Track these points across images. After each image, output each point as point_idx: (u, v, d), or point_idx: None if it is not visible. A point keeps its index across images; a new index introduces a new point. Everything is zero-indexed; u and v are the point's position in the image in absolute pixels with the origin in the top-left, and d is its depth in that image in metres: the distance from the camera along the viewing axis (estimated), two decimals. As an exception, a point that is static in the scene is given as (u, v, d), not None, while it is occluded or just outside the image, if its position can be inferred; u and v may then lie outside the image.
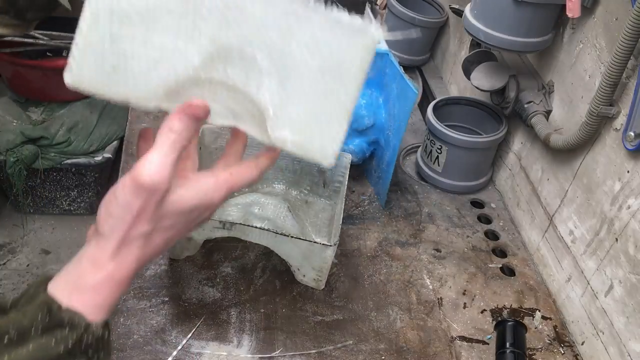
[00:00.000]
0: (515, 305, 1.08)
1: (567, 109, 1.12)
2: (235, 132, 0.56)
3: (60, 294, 0.46)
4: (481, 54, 1.28)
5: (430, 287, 1.10)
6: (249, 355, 0.93)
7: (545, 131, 1.11)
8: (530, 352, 0.99)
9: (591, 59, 1.03)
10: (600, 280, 0.98)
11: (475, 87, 1.27)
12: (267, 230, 0.96)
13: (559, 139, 1.06)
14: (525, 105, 1.18)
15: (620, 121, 0.94)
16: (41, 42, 1.02)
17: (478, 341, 1.00)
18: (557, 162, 1.14)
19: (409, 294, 1.07)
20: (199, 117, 0.48)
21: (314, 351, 0.94)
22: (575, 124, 1.05)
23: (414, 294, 1.08)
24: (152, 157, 0.46)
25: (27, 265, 1.04)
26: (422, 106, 1.65)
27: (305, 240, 0.96)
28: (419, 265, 1.14)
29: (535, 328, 1.04)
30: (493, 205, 1.34)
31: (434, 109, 1.33)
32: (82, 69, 0.45)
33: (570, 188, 1.09)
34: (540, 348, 1.01)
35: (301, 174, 1.17)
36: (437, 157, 1.31)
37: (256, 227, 0.96)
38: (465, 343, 1.00)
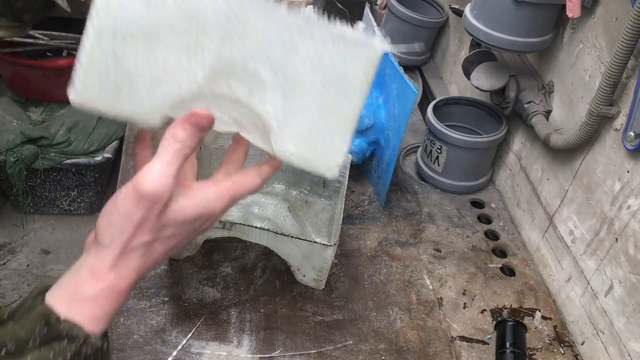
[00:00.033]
0: (515, 305, 1.08)
1: (567, 109, 1.12)
2: (236, 139, 0.56)
3: (58, 304, 0.45)
4: (481, 54, 1.28)
5: (430, 287, 1.10)
6: (249, 355, 0.93)
7: (545, 131, 1.11)
8: (530, 352, 0.99)
9: (591, 59, 1.03)
10: (600, 280, 0.98)
11: (475, 87, 1.27)
12: (267, 230, 0.96)
13: (559, 139, 1.06)
14: (525, 105, 1.18)
15: (620, 121, 0.94)
16: (41, 42, 1.02)
17: (478, 341, 1.00)
18: (557, 162, 1.14)
19: (409, 294, 1.07)
20: (203, 127, 0.47)
21: (314, 351, 0.94)
22: (575, 124, 1.05)
23: (414, 294, 1.08)
24: (155, 165, 0.45)
25: (27, 265, 1.04)
26: (422, 106, 1.65)
27: (305, 240, 0.96)
28: (419, 265, 1.14)
29: (535, 328, 1.04)
30: (493, 205, 1.34)
31: (434, 109, 1.33)
32: (86, 88, 0.45)
33: (570, 188, 1.09)
34: (540, 348, 1.01)
35: (301, 174, 1.17)
36: (437, 157, 1.31)
37: (256, 227, 0.96)
38: (465, 343, 1.00)
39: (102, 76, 0.46)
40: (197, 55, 0.47)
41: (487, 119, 1.37)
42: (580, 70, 1.06)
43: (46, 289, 0.46)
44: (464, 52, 1.54)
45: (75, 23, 1.07)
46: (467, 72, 1.29)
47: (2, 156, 1.05)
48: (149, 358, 0.90)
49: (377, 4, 1.90)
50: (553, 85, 1.17)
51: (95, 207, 1.43)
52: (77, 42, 1.06)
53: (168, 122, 0.50)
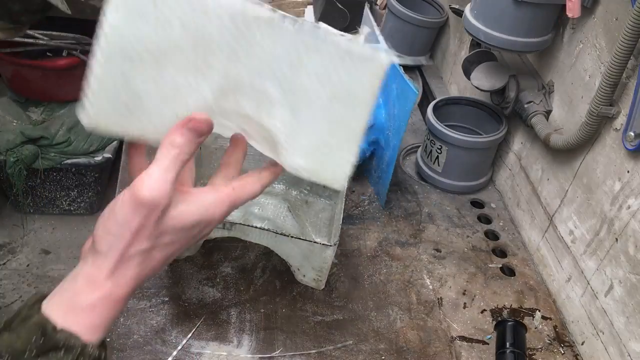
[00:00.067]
0: (515, 305, 1.08)
1: (567, 109, 1.12)
2: (235, 140, 0.55)
3: (54, 314, 0.44)
4: (481, 54, 1.28)
5: (430, 287, 1.10)
6: (249, 355, 0.93)
7: (545, 131, 1.11)
8: (530, 352, 0.99)
9: (591, 59, 1.03)
10: (600, 280, 0.98)
11: (475, 87, 1.27)
12: (267, 230, 0.96)
13: (559, 139, 1.06)
14: (525, 105, 1.18)
15: (620, 121, 0.94)
16: (41, 42, 1.02)
17: (478, 341, 1.00)
18: (557, 162, 1.14)
19: (409, 294, 1.07)
20: (201, 132, 0.46)
21: (314, 351, 0.94)
22: (575, 124, 1.05)
23: (414, 294, 1.08)
24: (152, 172, 0.45)
25: (27, 265, 1.04)
26: (422, 106, 1.65)
27: (305, 240, 0.96)
28: (419, 265, 1.14)
29: (535, 328, 1.04)
30: (493, 205, 1.34)
31: (434, 109, 1.33)
32: (97, 110, 0.45)
33: (570, 188, 1.09)
34: (540, 348, 1.01)
35: (301, 174, 1.17)
36: (437, 157, 1.31)
37: (256, 227, 0.96)
38: (465, 343, 1.00)
39: (113, 99, 0.46)
40: (205, 74, 0.47)
41: (487, 119, 1.37)
42: (580, 70, 1.06)
43: (43, 297, 0.45)
44: (464, 52, 1.54)
45: (75, 23, 1.07)
46: (467, 72, 1.29)
47: (2, 156, 1.05)
48: (149, 358, 0.90)
49: (377, 4, 1.90)
50: (553, 85, 1.17)
51: (95, 207, 1.43)
52: (77, 42, 1.07)
53: None
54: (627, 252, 0.91)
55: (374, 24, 1.24)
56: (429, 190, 1.35)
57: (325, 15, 1.59)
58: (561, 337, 1.03)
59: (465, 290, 1.10)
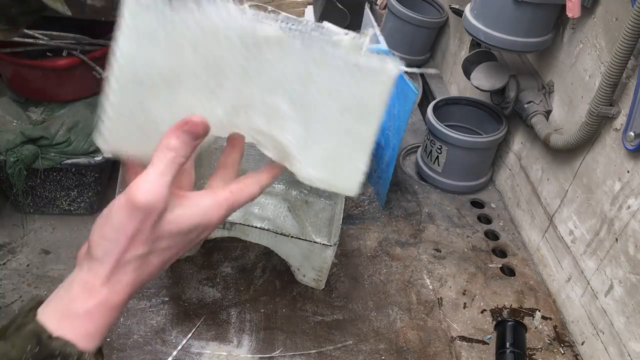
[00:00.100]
0: (515, 305, 1.08)
1: (567, 109, 1.12)
2: (231, 140, 0.54)
3: (50, 321, 0.43)
4: (481, 54, 1.28)
5: (430, 287, 1.10)
6: (249, 355, 0.93)
7: (545, 131, 1.11)
8: (530, 352, 0.99)
9: (591, 59, 1.03)
10: (600, 280, 0.98)
11: (475, 87, 1.27)
12: (267, 230, 0.96)
13: (559, 139, 1.06)
14: (525, 105, 1.18)
15: (620, 121, 0.94)
16: (41, 42, 1.02)
17: (478, 341, 1.00)
18: (557, 162, 1.14)
19: (409, 294, 1.07)
20: (197, 134, 0.46)
21: (314, 351, 0.94)
22: (575, 124, 1.05)
23: (414, 294, 1.08)
24: (148, 176, 0.44)
25: (27, 265, 1.04)
26: (422, 106, 1.65)
27: (305, 240, 0.96)
28: (419, 265, 1.14)
29: (535, 328, 1.04)
30: (493, 205, 1.34)
31: (434, 109, 1.33)
32: (114, 137, 0.46)
33: (570, 188, 1.09)
34: (540, 348, 1.01)
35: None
36: (437, 157, 1.31)
37: (256, 227, 0.96)
38: (465, 343, 1.00)
39: (128, 124, 0.46)
40: (217, 95, 0.48)
41: (487, 119, 1.37)
42: (580, 70, 1.06)
43: (38, 304, 0.44)
44: (464, 52, 1.54)
45: (75, 23, 1.07)
46: (467, 72, 1.29)
47: (2, 156, 1.05)
48: (149, 358, 0.90)
49: (377, 4, 1.90)
50: (553, 85, 1.17)
51: (95, 207, 1.43)
52: (77, 42, 1.07)
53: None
54: (627, 252, 0.91)
55: (374, 24, 1.24)
56: (429, 190, 1.35)
57: (325, 15, 1.59)
58: (561, 337, 1.03)
59: (465, 290, 1.10)
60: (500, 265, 1.17)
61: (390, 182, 1.20)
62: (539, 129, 1.13)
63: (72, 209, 1.18)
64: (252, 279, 1.05)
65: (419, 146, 1.46)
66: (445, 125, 1.27)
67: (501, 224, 1.28)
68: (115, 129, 0.46)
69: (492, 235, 1.25)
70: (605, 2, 0.99)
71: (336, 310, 1.02)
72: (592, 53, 1.03)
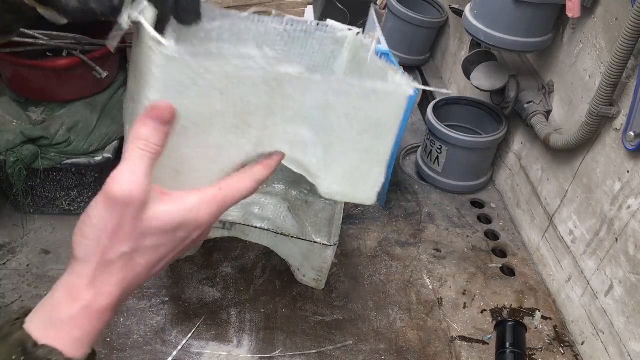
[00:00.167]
0: (515, 305, 1.08)
1: (567, 109, 1.12)
2: None
3: (35, 329, 0.41)
4: (481, 54, 1.28)
5: (430, 287, 1.10)
6: (249, 355, 0.93)
7: (545, 131, 1.11)
8: (530, 352, 0.99)
9: (591, 59, 1.03)
10: (600, 280, 0.98)
11: (475, 87, 1.27)
12: (267, 230, 0.96)
13: (559, 139, 1.06)
14: (525, 105, 1.18)
15: (620, 121, 0.94)
16: (41, 42, 1.02)
17: (478, 341, 1.00)
18: (557, 162, 1.14)
19: (409, 294, 1.07)
20: (164, 120, 0.45)
21: (314, 351, 0.94)
22: (575, 124, 1.05)
23: (414, 294, 1.08)
24: (122, 168, 0.43)
25: (27, 265, 1.04)
26: (422, 106, 1.65)
27: (305, 240, 0.96)
28: (419, 265, 1.14)
29: (535, 328, 1.04)
30: (493, 205, 1.34)
31: (434, 109, 1.33)
32: (151, 179, 0.46)
33: (570, 188, 1.09)
34: (540, 348, 1.01)
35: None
36: (437, 157, 1.31)
37: (256, 227, 0.96)
38: (465, 343, 1.00)
39: (163, 167, 0.48)
40: (244, 131, 0.50)
41: (487, 119, 1.37)
42: (580, 70, 1.06)
43: (26, 313, 0.43)
44: (464, 52, 1.54)
45: (76, 23, 1.08)
46: (467, 72, 1.29)
47: (2, 156, 1.04)
48: (149, 358, 0.90)
49: (377, 4, 1.90)
50: (553, 85, 1.17)
51: (95, 207, 1.42)
52: (77, 42, 1.06)
53: None
54: (627, 252, 0.91)
55: (377, 24, 1.24)
56: (429, 190, 1.35)
57: (325, 15, 1.59)
58: (561, 337, 1.03)
59: (465, 290, 1.10)
60: (500, 265, 1.17)
61: (390, 182, 1.20)
62: (539, 129, 1.13)
63: (72, 209, 1.17)
64: (252, 279, 1.05)
65: (419, 146, 1.46)
66: (445, 125, 1.27)
67: (501, 224, 1.28)
68: (152, 173, 0.47)
69: (492, 235, 1.25)
70: (605, 2, 0.99)
71: (336, 310, 1.02)
72: (592, 53, 1.03)
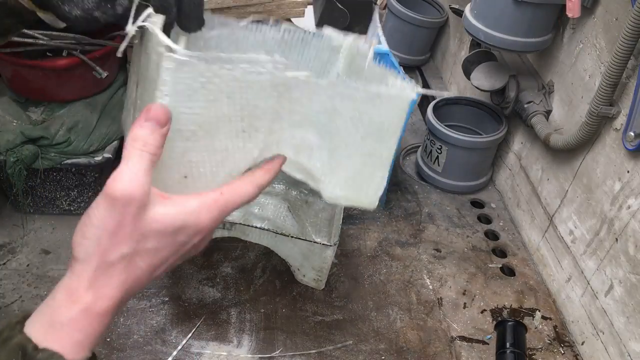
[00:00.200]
0: (515, 305, 1.08)
1: (567, 109, 1.12)
2: None
3: (36, 333, 0.41)
4: (481, 54, 1.28)
5: (430, 287, 1.10)
6: (249, 355, 0.93)
7: (545, 131, 1.11)
8: (530, 352, 0.99)
9: (591, 59, 1.03)
10: (600, 280, 0.98)
11: (475, 87, 1.27)
12: (267, 230, 0.96)
13: (559, 139, 1.06)
14: (525, 105, 1.18)
15: (620, 121, 0.94)
16: (41, 42, 1.02)
17: (478, 341, 1.00)
18: (557, 162, 1.14)
19: (409, 294, 1.07)
20: (160, 121, 0.45)
21: (314, 351, 0.94)
22: (575, 124, 1.05)
23: (414, 294, 1.08)
24: (121, 168, 0.43)
25: (27, 265, 1.04)
26: (422, 106, 1.65)
27: (305, 240, 0.96)
28: (419, 265, 1.14)
29: (535, 328, 1.04)
30: (493, 205, 1.34)
31: (434, 109, 1.33)
32: (157, 183, 0.47)
33: (570, 188, 1.09)
34: (540, 348, 1.01)
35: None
36: (437, 157, 1.31)
37: (256, 227, 0.96)
38: (465, 343, 1.00)
39: (171, 172, 0.48)
40: (251, 136, 0.50)
41: (487, 119, 1.37)
42: (580, 70, 1.06)
43: (26, 317, 0.42)
44: (464, 52, 1.54)
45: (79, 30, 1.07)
46: (467, 72, 1.29)
47: (2, 156, 1.04)
48: (149, 358, 0.90)
49: (377, 4, 1.90)
50: (553, 85, 1.17)
51: (95, 207, 1.42)
52: (77, 42, 1.06)
53: None
54: (627, 252, 0.91)
55: (378, 25, 1.24)
56: (429, 190, 1.35)
57: (325, 15, 1.59)
58: (561, 337, 1.03)
59: (465, 290, 1.10)
60: (500, 265, 1.17)
61: (390, 182, 1.20)
62: (539, 129, 1.13)
63: (72, 209, 1.17)
64: (252, 279, 1.05)
65: (419, 146, 1.46)
66: (445, 125, 1.27)
67: (501, 224, 1.28)
68: (159, 178, 0.47)
69: (492, 235, 1.25)
70: (605, 2, 0.99)
71: (336, 310, 1.02)
72: (592, 53, 1.03)
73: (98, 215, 0.42)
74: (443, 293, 1.09)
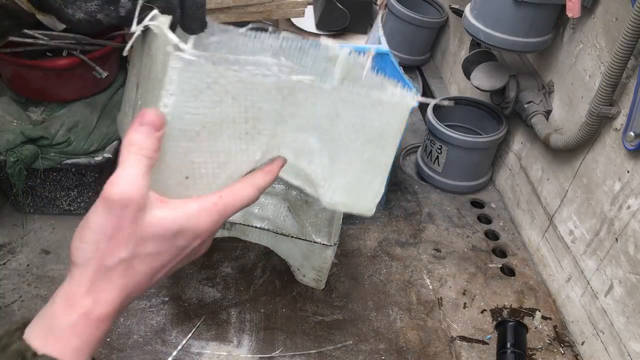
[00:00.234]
0: (515, 305, 1.08)
1: (567, 109, 1.12)
2: None
3: (35, 339, 0.41)
4: (481, 54, 1.28)
5: (430, 287, 1.10)
6: (249, 355, 0.93)
7: (545, 131, 1.11)
8: (530, 352, 0.99)
9: (591, 59, 1.03)
10: (600, 280, 0.98)
11: (475, 87, 1.27)
12: (267, 230, 0.96)
13: (559, 139, 1.06)
14: (525, 105, 1.18)
15: (620, 121, 0.94)
16: (41, 42, 1.02)
17: (478, 341, 1.00)
18: (557, 162, 1.14)
19: (409, 294, 1.07)
20: (154, 125, 0.44)
21: (314, 351, 0.94)
22: (575, 124, 1.05)
23: (414, 294, 1.08)
24: (118, 173, 0.43)
25: (27, 265, 1.04)
26: (422, 106, 1.65)
27: (305, 240, 0.96)
28: (419, 265, 1.14)
29: (535, 328, 1.04)
30: (493, 205, 1.34)
31: (434, 109, 1.33)
32: (159, 184, 0.47)
33: (570, 188, 1.09)
34: (540, 348, 1.01)
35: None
36: (437, 157, 1.31)
37: (256, 227, 0.96)
38: (465, 343, 1.00)
39: (172, 171, 0.48)
40: (254, 138, 0.50)
41: (487, 119, 1.37)
42: (580, 70, 1.06)
43: (25, 324, 0.42)
44: (464, 52, 1.54)
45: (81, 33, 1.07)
46: (467, 72, 1.29)
47: (2, 156, 1.04)
48: (149, 358, 0.90)
49: (376, 4, 1.90)
50: (553, 85, 1.17)
51: (95, 207, 1.42)
52: (77, 42, 1.06)
53: None
54: (627, 252, 0.91)
55: (380, 25, 1.24)
56: (429, 190, 1.35)
57: (325, 15, 1.59)
58: (561, 337, 1.03)
59: (465, 290, 1.10)
60: (500, 265, 1.17)
61: (390, 182, 1.20)
62: (539, 129, 1.13)
63: (72, 209, 1.17)
64: (252, 279, 1.05)
65: (419, 146, 1.46)
66: (445, 125, 1.27)
67: (501, 224, 1.28)
68: (158, 176, 0.47)
69: (492, 235, 1.25)
70: (605, 2, 0.99)
71: (336, 310, 1.02)
72: (592, 53, 1.03)
73: (96, 219, 0.42)
74: (443, 293, 1.09)
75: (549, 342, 1.02)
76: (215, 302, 1.00)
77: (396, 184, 1.34)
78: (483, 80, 1.25)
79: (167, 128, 0.46)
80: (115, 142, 1.15)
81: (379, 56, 1.18)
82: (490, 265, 1.16)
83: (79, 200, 1.16)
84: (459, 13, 1.47)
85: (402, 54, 1.77)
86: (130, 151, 0.44)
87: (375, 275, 1.10)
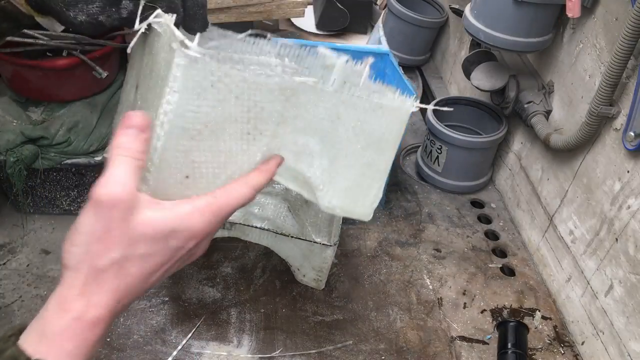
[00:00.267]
0: (515, 305, 1.08)
1: (567, 109, 1.12)
2: None
3: (29, 344, 0.40)
4: (481, 54, 1.28)
5: (430, 287, 1.10)
6: (249, 355, 0.93)
7: (545, 131, 1.11)
8: (530, 352, 0.99)
9: (591, 59, 1.03)
10: (600, 280, 0.98)
11: (475, 87, 1.28)
12: (267, 230, 0.96)
13: (559, 139, 1.06)
14: (525, 105, 1.18)
15: (620, 121, 0.94)
16: (41, 42, 1.02)
17: (478, 341, 1.00)
18: (557, 162, 1.14)
19: (409, 294, 1.07)
20: (139, 127, 0.45)
21: (314, 351, 0.94)
22: (575, 124, 1.05)
23: (414, 294, 1.08)
24: (106, 175, 0.43)
25: (27, 265, 1.04)
26: (422, 106, 1.65)
27: (305, 240, 0.96)
28: (419, 265, 1.14)
29: (535, 328, 1.04)
30: (493, 205, 1.34)
31: (434, 109, 1.33)
32: (158, 182, 0.47)
33: (570, 188, 1.09)
34: (541, 348, 1.01)
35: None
36: (437, 157, 1.31)
37: (256, 227, 0.96)
38: (465, 343, 1.00)
39: (173, 170, 0.48)
40: (255, 138, 0.51)
41: (487, 119, 1.37)
42: (580, 70, 1.06)
43: (21, 330, 0.42)
44: (464, 52, 1.54)
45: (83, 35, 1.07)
46: (467, 72, 1.29)
47: (2, 156, 1.04)
48: (149, 358, 0.90)
49: (377, 4, 1.90)
50: (553, 85, 1.17)
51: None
52: (77, 42, 1.06)
53: None
54: (627, 252, 0.91)
55: (380, 25, 1.24)
56: (429, 190, 1.35)
57: (325, 15, 1.59)
58: (561, 337, 1.03)
59: (465, 290, 1.10)
60: (500, 265, 1.17)
61: (390, 182, 1.20)
62: (539, 129, 1.13)
63: (72, 209, 1.17)
64: (252, 279, 1.05)
65: (419, 146, 1.46)
66: (445, 125, 1.27)
67: (501, 224, 1.28)
68: (158, 175, 0.47)
69: (492, 235, 1.25)
70: (605, 2, 0.99)
71: (336, 310, 1.02)
72: (592, 53, 1.03)
73: (85, 222, 0.42)
74: (443, 293, 1.09)
75: (549, 342, 1.02)
76: (215, 302, 1.00)
77: (396, 184, 1.34)
78: (483, 80, 1.25)
79: (169, 126, 0.46)
80: (115, 142, 1.15)
81: (379, 56, 1.18)
82: (490, 265, 1.16)
83: (79, 200, 1.16)
84: (459, 13, 1.47)
85: (402, 54, 1.77)
86: (117, 153, 0.44)
87: (375, 275, 1.10)
